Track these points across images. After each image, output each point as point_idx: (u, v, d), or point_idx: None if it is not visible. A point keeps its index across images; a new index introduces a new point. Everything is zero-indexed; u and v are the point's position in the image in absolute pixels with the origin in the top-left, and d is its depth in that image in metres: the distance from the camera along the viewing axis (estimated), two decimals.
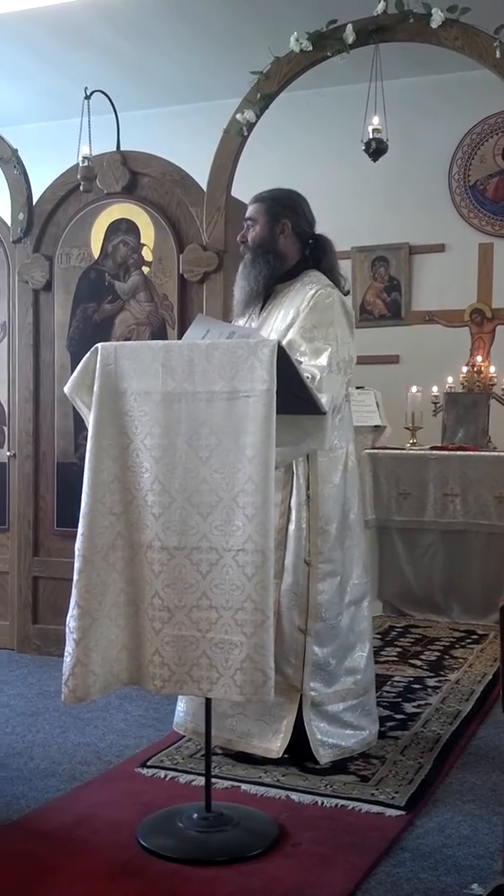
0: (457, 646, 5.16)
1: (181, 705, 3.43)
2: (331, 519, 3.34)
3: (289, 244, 3.44)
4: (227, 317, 4.55)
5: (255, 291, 3.42)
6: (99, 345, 2.72)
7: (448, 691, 4.26)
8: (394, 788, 3.12)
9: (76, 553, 2.65)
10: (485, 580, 5.68)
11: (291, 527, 3.32)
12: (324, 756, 3.28)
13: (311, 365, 3.06)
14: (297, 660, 3.30)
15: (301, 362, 3.00)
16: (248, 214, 3.51)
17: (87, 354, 2.73)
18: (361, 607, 3.46)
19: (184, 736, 3.59)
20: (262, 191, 3.54)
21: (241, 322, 3.47)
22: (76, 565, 2.64)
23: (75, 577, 2.64)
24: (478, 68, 4.41)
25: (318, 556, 3.31)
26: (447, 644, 5.18)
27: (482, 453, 5.78)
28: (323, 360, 3.10)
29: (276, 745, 3.27)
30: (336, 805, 3.00)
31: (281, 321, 3.35)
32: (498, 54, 4.15)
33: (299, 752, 3.28)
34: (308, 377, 2.88)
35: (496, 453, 5.85)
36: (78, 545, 2.64)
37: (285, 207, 3.46)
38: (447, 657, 4.89)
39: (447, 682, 4.41)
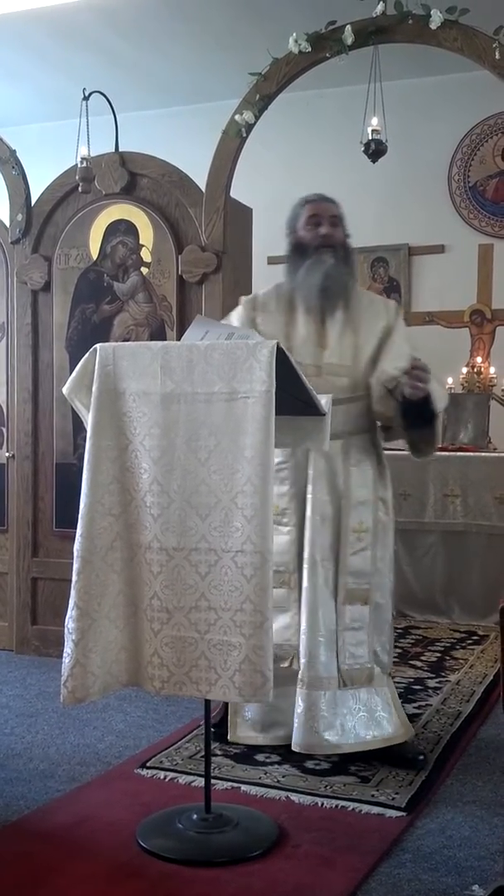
0: (457, 647, 5.15)
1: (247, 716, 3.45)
2: None
3: None
4: (225, 318, 4.55)
5: (337, 294, 3.34)
6: (97, 345, 2.72)
7: (448, 692, 4.26)
8: (394, 789, 3.12)
9: (75, 554, 2.64)
10: (485, 581, 5.67)
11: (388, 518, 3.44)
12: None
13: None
14: (391, 645, 3.45)
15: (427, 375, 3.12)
16: (333, 212, 3.43)
17: (86, 355, 2.72)
18: None
19: (183, 737, 3.59)
20: (317, 194, 3.51)
21: (300, 319, 3.38)
22: (75, 566, 2.63)
23: (74, 577, 2.63)
24: (477, 69, 4.40)
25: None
26: (448, 645, 5.17)
27: (482, 454, 5.78)
28: None
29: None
30: (336, 806, 3.00)
31: (368, 332, 3.37)
32: (497, 55, 4.14)
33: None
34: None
35: (496, 454, 5.85)
36: (77, 546, 2.64)
37: None
38: (448, 658, 4.89)
39: (448, 683, 4.41)
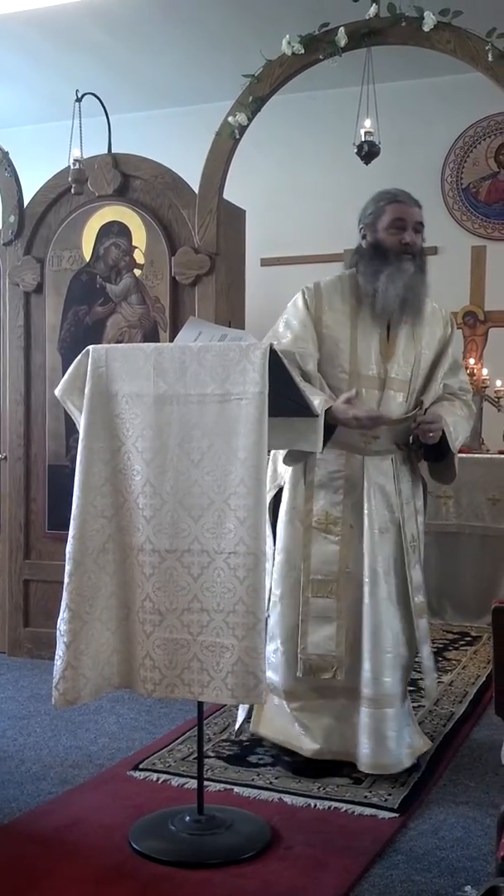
0: (450, 647, 5.16)
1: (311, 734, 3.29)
2: None
3: None
4: (219, 320, 4.55)
5: (414, 306, 3.26)
6: (90, 347, 2.72)
7: (441, 693, 4.26)
8: (387, 790, 3.12)
9: (67, 556, 2.64)
10: (478, 582, 5.68)
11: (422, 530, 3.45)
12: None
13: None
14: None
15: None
16: (418, 218, 3.30)
17: (79, 357, 2.72)
18: None
19: (176, 739, 3.59)
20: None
21: (366, 323, 3.25)
22: (67, 568, 2.63)
23: (66, 580, 2.63)
24: (470, 71, 4.41)
25: None
26: (441, 646, 5.17)
27: (475, 456, 5.79)
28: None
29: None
30: (329, 807, 3.00)
31: (429, 343, 3.34)
32: (490, 57, 4.15)
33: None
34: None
35: (489, 456, 5.86)
36: (69, 548, 2.64)
37: None
38: (441, 659, 4.89)
39: (440, 684, 4.41)
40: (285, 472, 3.35)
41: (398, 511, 3.28)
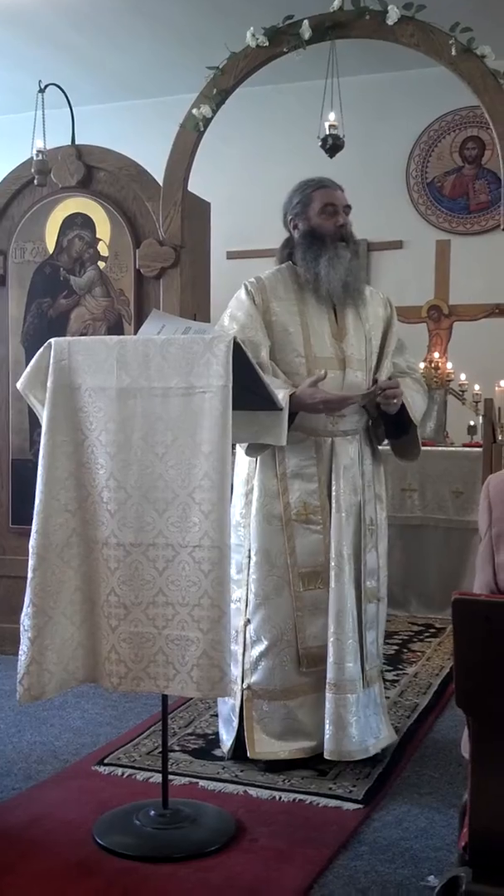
0: (415, 639, 5.19)
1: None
2: None
3: None
4: (184, 313, 4.54)
5: (356, 289, 3.31)
6: (52, 340, 2.70)
7: (406, 685, 4.29)
8: (351, 782, 3.14)
9: (31, 551, 2.62)
10: (442, 574, 5.72)
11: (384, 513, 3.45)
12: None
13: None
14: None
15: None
16: (346, 201, 3.35)
17: (41, 350, 2.70)
18: None
19: (141, 733, 3.58)
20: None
21: (313, 309, 3.28)
22: (31, 563, 2.62)
23: (30, 574, 2.61)
24: (434, 65, 4.41)
25: None
26: (405, 638, 5.21)
27: (440, 448, 5.83)
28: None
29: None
30: (294, 800, 3.01)
31: (374, 324, 3.37)
32: (453, 51, 4.17)
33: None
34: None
35: (453, 448, 5.89)
36: (32, 543, 2.62)
37: None
38: (405, 651, 4.93)
39: (405, 676, 4.44)
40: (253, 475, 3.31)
41: (360, 493, 3.29)
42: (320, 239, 3.28)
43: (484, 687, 1.56)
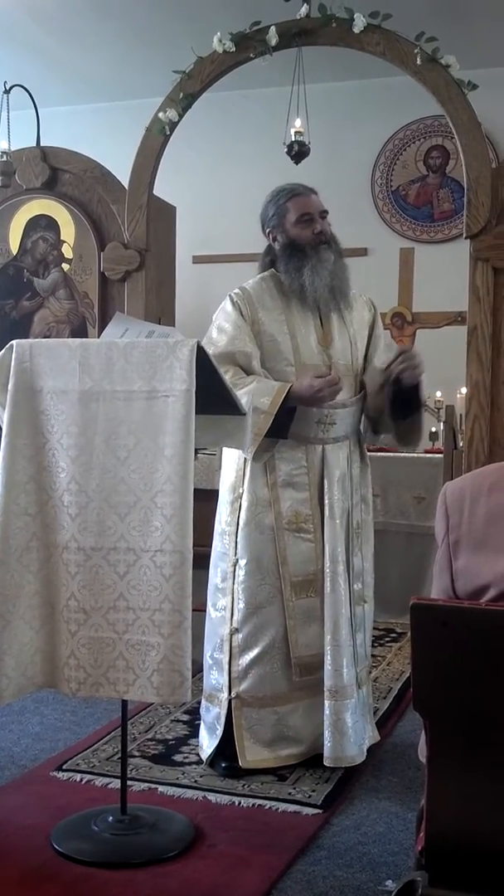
0: (375, 644, 5.20)
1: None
2: None
3: None
4: (149, 316, 4.53)
5: (342, 292, 3.33)
6: (14, 342, 2.68)
7: None
8: (311, 787, 3.14)
9: None
10: (403, 579, 5.74)
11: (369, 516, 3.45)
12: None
13: None
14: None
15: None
16: (321, 206, 3.32)
17: (2, 352, 2.68)
18: None
19: (101, 739, 3.56)
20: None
21: (298, 317, 3.28)
22: None
23: None
24: (400, 74, 4.46)
25: None
26: None
27: (402, 454, 5.85)
28: None
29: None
30: (253, 805, 3.01)
31: (359, 327, 3.39)
32: (418, 60, 4.21)
33: None
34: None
35: (415, 455, 5.92)
36: None
37: None
38: None
39: None
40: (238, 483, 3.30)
41: (348, 498, 3.30)
42: (300, 249, 3.27)
43: (440, 691, 1.57)
